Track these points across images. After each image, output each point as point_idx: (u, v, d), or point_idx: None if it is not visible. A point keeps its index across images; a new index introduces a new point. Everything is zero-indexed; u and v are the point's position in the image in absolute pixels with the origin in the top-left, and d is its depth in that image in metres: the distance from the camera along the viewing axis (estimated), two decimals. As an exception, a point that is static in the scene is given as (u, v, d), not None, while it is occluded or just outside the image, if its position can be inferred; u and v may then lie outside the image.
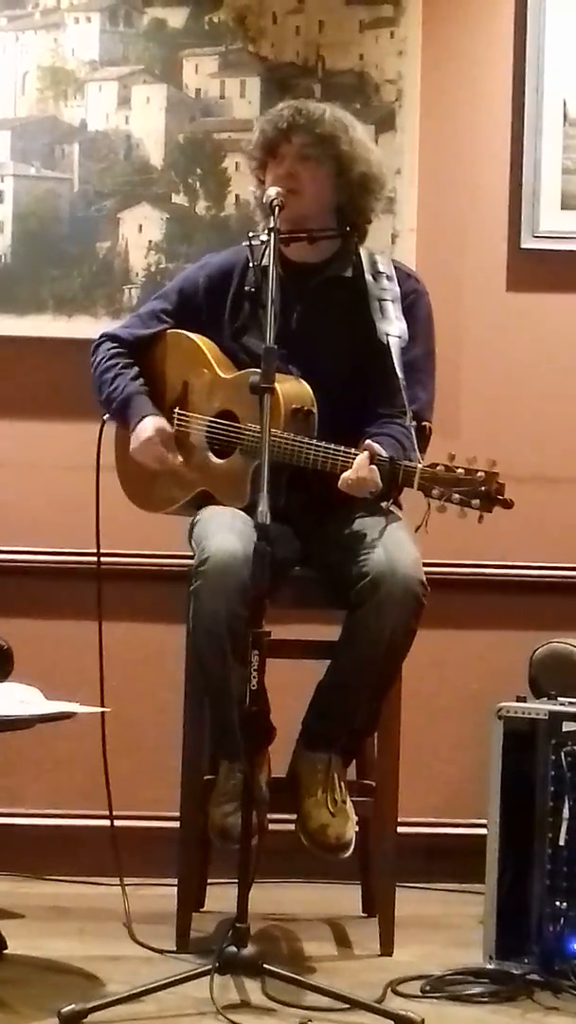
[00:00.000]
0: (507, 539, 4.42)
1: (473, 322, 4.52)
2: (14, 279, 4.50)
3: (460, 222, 4.55)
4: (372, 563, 3.51)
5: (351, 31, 4.52)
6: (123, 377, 3.80)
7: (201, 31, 4.53)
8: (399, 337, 3.65)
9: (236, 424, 3.68)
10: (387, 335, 3.64)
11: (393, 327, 3.66)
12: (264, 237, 3.57)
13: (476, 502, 3.35)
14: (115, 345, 3.86)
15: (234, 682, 3.42)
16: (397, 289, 3.73)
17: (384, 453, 3.46)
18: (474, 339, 4.52)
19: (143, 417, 3.74)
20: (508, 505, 3.36)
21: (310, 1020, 3.11)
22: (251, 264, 3.68)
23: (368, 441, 3.48)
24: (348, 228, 3.74)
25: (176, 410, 3.78)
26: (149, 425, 3.73)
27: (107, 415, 3.82)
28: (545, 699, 3.69)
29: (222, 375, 3.74)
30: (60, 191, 4.52)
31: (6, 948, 3.54)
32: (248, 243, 3.69)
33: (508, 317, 4.55)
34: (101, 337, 3.90)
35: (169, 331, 3.84)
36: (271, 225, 3.54)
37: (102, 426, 3.80)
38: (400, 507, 3.69)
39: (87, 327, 4.39)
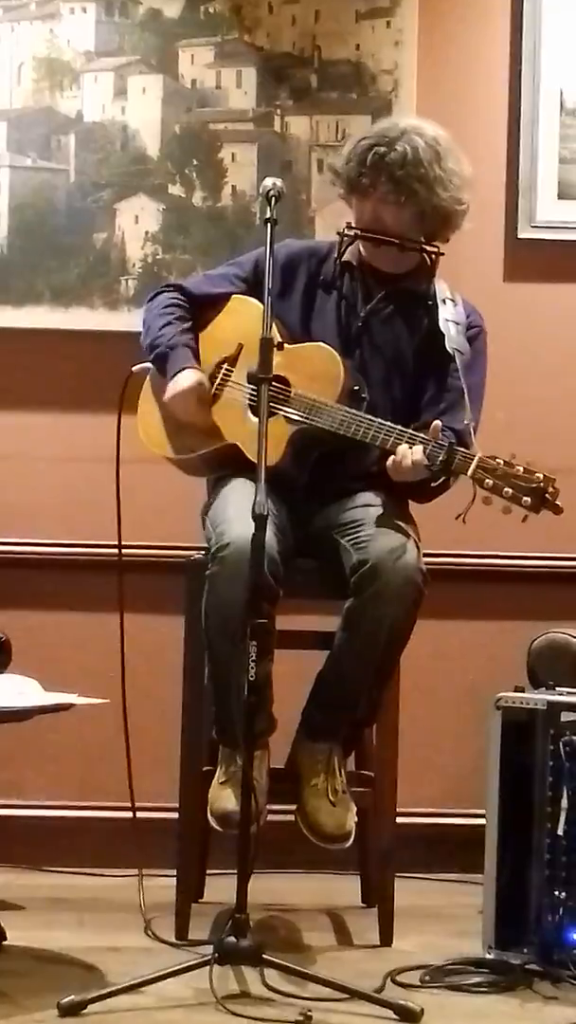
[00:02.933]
0: (505, 529, 4.40)
1: (470, 312, 4.52)
2: (11, 270, 4.49)
3: (457, 212, 4.54)
4: (372, 551, 3.51)
5: (347, 21, 4.51)
6: (173, 327, 3.76)
7: (197, 21, 4.52)
8: (463, 354, 3.70)
9: (285, 388, 3.66)
10: (455, 349, 3.70)
11: (458, 344, 3.72)
12: (349, 233, 3.71)
13: (527, 500, 3.42)
14: (177, 295, 3.82)
15: (239, 670, 3.41)
16: (465, 319, 3.79)
17: (443, 439, 3.50)
18: (471, 329, 4.51)
19: (183, 368, 3.71)
20: (558, 511, 3.44)
21: (310, 1011, 3.11)
22: (333, 257, 3.76)
23: (437, 422, 3.53)
24: (428, 246, 3.79)
25: (224, 366, 3.76)
26: (189, 377, 3.70)
27: (148, 357, 3.77)
28: (543, 689, 3.70)
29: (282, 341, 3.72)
30: (56, 182, 4.52)
31: (5, 939, 3.55)
32: (339, 234, 3.76)
33: (505, 307, 4.54)
34: (167, 286, 3.88)
35: (235, 295, 3.82)
36: (267, 216, 3.54)
37: (125, 384, 3.75)
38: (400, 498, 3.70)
39: (84, 318, 4.39)
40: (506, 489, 3.42)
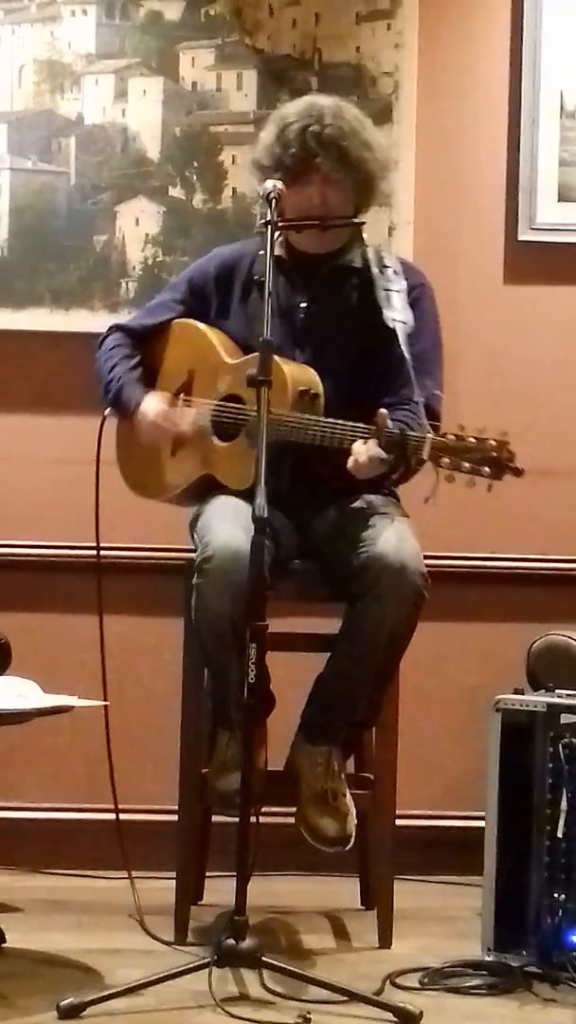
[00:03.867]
0: (505, 531, 4.42)
1: (470, 315, 4.52)
2: (11, 273, 4.49)
3: (457, 215, 4.54)
4: (372, 555, 3.51)
5: (348, 23, 4.51)
6: (120, 367, 3.81)
7: (197, 24, 4.52)
8: (405, 323, 3.65)
9: (242, 407, 3.67)
10: (394, 320, 3.65)
11: (399, 314, 3.67)
12: (265, 229, 3.57)
13: (487, 469, 3.37)
14: (119, 335, 3.87)
15: (236, 669, 3.42)
16: (404, 282, 3.75)
17: (391, 425, 3.46)
18: (471, 332, 4.51)
19: (141, 399, 3.74)
20: (519, 472, 3.38)
21: (309, 1013, 3.11)
22: (261, 252, 3.66)
23: (382, 410, 3.48)
24: (356, 217, 3.75)
25: (181, 396, 3.78)
26: (150, 403, 3.73)
27: (105, 403, 3.81)
28: (543, 691, 3.69)
29: (228, 360, 3.74)
30: (57, 184, 4.52)
31: (5, 941, 3.55)
32: (259, 232, 3.68)
33: (505, 310, 4.55)
34: (109, 329, 3.91)
35: (176, 320, 3.85)
36: (268, 218, 3.54)
37: (103, 421, 3.80)
38: (398, 499, 3.69)
39: (84, 320, 4.39)
40: (464, 463, 3.36)
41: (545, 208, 4.52)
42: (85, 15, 4.51)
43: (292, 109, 3.77)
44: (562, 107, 4.53)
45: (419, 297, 3.77)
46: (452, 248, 4.53)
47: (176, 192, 4.52)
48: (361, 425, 3.49)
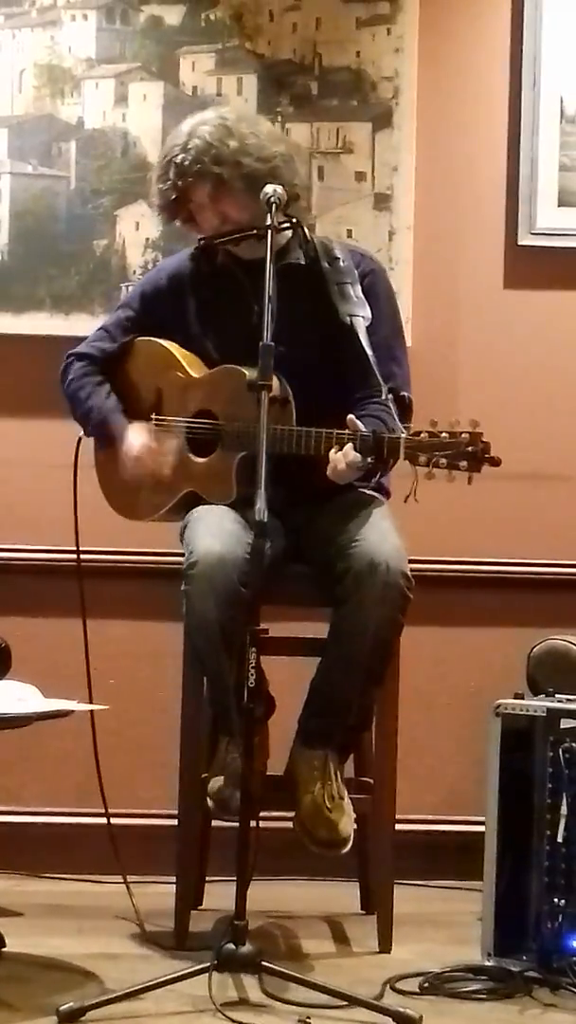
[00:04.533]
0: (505, 536, 4.42)
1: (470, 319, 4.52)
2: (11, 277, 4.49)
3: (457, 219, 4.55)
4: (354, 558, 3.51)
5: (348, 28, 4.52)
6: (97, 396, 3.81)
7: (198, 28, 4.53)
8: (363, 317, 3.65)
9: (215, 421, 3.68)
10: (350, 316, 3.65)
11: (356, 308, 3.67)
12: (202, 247, 3.67)
13: (464, 464, 3.35)
14: (84, 363, 3.86)
15: (230, 673, 3.42)
16: (355, 271, 3.73)
17: (364, 429, 3.45)
18: (471, 336, 4.52)
19: (122, 436, 3.75)
20: (496, 462, 3.36)
21: (309, 1018, 3.11)
22: (200, 268, 3.72)
23: (350, 417, 3.47)
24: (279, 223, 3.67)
25: (152, 416, 3.78)
26: (134, 443, 3.73)
27: (86, 434, 3.83)
28: (543, 696, 3.69)
29: (195, 375, 3.74)
30: (57, 189, 4.52)
31: (5, 946, 3.54)
32: (196, 249, 3.73)
33: (505, 314, 4.55)
34: (69, 357, 3.89)
35: (137, 340, 3.85)
36: (269, 222, 3.54)
37: (79, 441, 3.80)
38: (388, 493, 3.69)
39: (85, 325, 4.39)
40: (440, 460, 3.35)
41: (545, 212, 4.52)
42: (85, 20, 4.52)
43: (169, 141, 3.77)
44: (562, 112, 4.53)
45: (371, 283, 3.75)
46: (452, 252, 4.53)
47: (176, 197, 4.52)
48: (335, 431, 3.48)
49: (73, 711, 3.42)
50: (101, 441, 3.83)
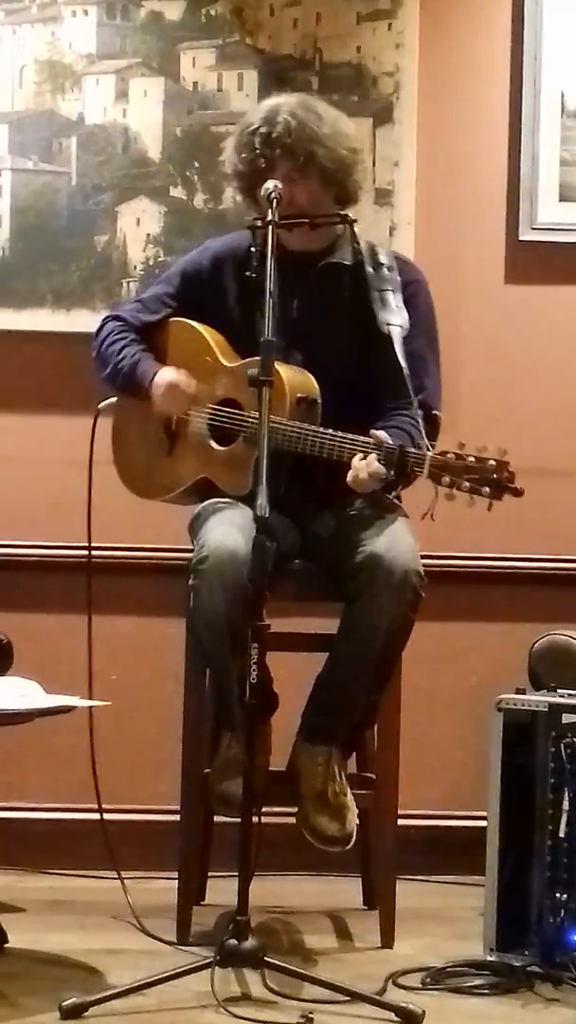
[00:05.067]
0: (507, 531, 4.42)
1: (471, 315, 4.52)
2: (12, 273, 4.49)
3: (458, 215, 4.55)
4: (368, 555, 3.51)
5: (348, 24, 4.51)
6: (130, 347, 3.78)
7: (198, 24, 4.52)
8: (400, 327, 3.64)
9: (239, 412, 3.67)
10: (388, 324, 3.64)
11: (394, 317, 3.66)
12: (258, 224, 3.57)
13: (487, 490, 3.36)
14: (121, 324, 3.84)
15: (235, 668, 3.42)
16: (398, 279, 3.73)
17: (391, 442, 3.46)
18: (472, 332, 4.52)
19: (156, 372, 3.72)
20: (518, 493, 3.37)
21: (311, 1013, 3.11)
22: (252, 248, 3.62)
23: (374, 431, 3.48)
24: (344, 213, 3.73)
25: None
26: (166, 373, 3.71)
27: (115, 387, 3.79)
28: (545, 691, 3.69)
29: (225, 363, 3.73)
30: (58, 185, 4.52)
31: (7, 942, 3.55)
32: (250, 227, 3.67)
33: (506, 309, 4.55)
34: (106, 319, 3.88)
35: (172, 319, 3.83)
36: (269, 218, 3.53)
37: (96, 417, 3.79)
38: (399, 497, 3.69)
39: (86, 321, 4.38)
40: (463, 483, 3.36)
41: (546, 208, 4.52)
42: (86, 15, 4.52)
43: (251, 115, 3.77)
44: (563, 107, 4.53)
45: (413, 294, 3.76)
46: (453, 248, 4.53)
47: (177, 192, 4.52)
48: (361, 439, 3.49)
49: (74, 707, 3.42)
50: (129, 391, 3.77)
